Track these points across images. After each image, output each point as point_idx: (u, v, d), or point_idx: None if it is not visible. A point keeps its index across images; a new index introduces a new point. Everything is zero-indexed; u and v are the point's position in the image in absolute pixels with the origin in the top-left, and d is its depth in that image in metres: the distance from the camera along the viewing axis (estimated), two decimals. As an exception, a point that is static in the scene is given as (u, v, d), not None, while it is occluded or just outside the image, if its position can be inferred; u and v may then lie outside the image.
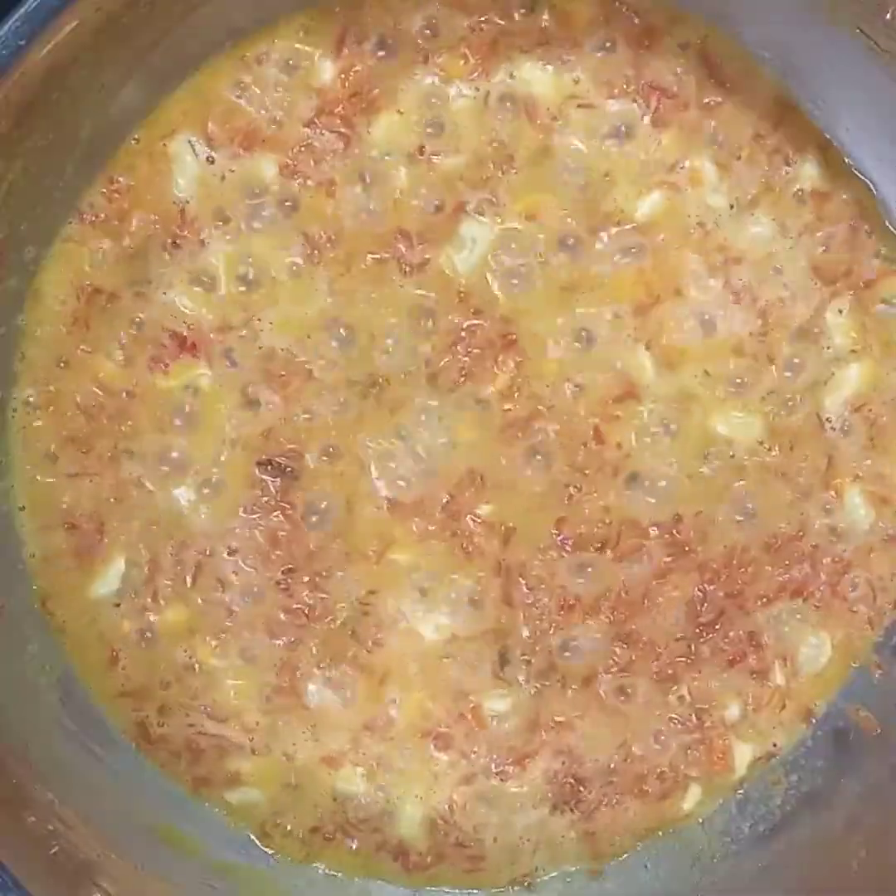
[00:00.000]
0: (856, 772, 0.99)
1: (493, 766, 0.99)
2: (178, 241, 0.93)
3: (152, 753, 0.98)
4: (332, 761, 0.98)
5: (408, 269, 0.94)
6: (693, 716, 0.99)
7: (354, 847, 0.99)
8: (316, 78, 0.93)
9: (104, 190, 0.93)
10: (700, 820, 1.01)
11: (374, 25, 0.92)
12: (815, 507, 0.98)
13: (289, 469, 0.95)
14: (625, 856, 1.01)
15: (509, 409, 0.95)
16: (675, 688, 0.98)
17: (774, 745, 1.01)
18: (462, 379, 0.95)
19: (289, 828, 0.99)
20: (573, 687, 0.98)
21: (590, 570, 0.96)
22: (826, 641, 0.99)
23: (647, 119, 0.94)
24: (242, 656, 0.97)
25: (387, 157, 0.94)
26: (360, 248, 0.94)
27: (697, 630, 0.98)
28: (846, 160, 0.95)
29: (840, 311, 0.96)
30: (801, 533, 0.98)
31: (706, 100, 0.94)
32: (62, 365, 0.94)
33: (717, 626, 0.98)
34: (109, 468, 0.95)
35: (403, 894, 1.00)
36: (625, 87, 0.94)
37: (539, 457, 0.96)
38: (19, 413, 0.95)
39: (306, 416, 0.95)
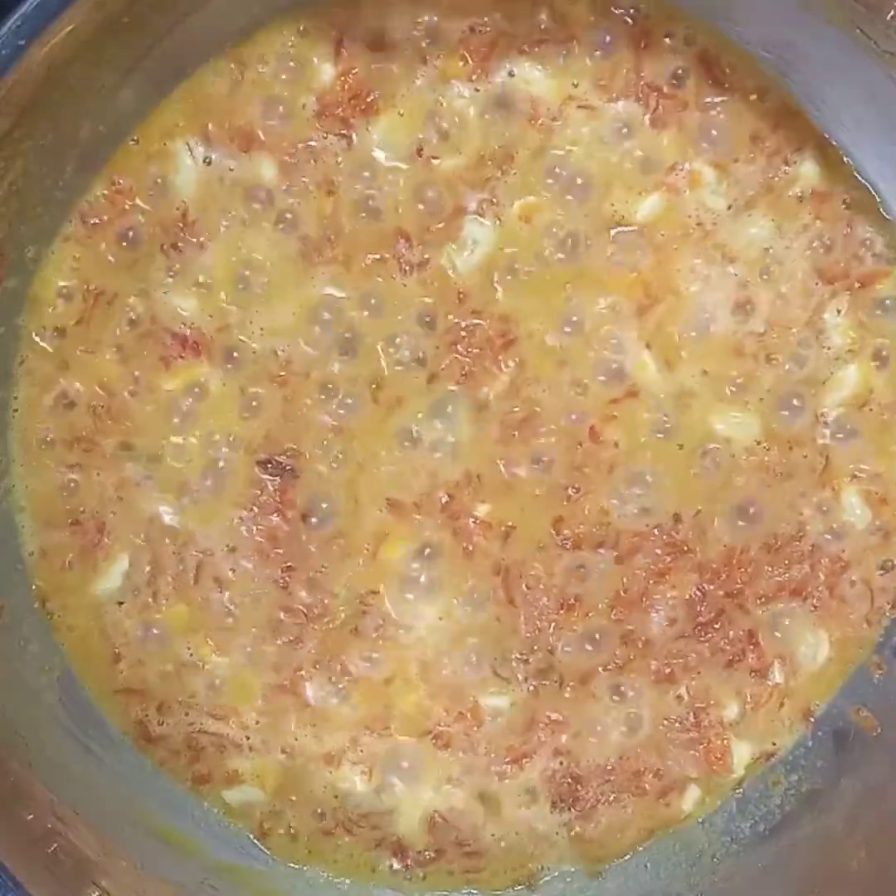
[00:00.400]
0: (856, 772, 0.98)
1: (491, 764, 0.99)
2: (177, 242, 0.94)
3: (152, 752, 0.98)
4: (331, 760, 0.98)
5: (408, 269, 0.94)
6: (691, 715, 0.99)
7: (353, 845, 0.99)
8: (315, 79, 0.93)
9: (104, 191, 0.93)
10: (700, 820, 1.01)
11: (373, 27, 0.92)
12: (814, 506, 0.98)
13: (289, 468, 0.95)
14: (624, 856, 1.01)
15: (508, 409, 0.95)
16: (673, 687, 0.98)
17: (773, 744, 1.01)
18: (462, 379, 0.95)
19: (288, 826, 0.99)
20: (571, 685, 0.98)
21: (588, 569, 0.97)
22: (824, 641, 0.99)
23: (646, 119, 0.94)
24: (242, 655, 0.97)
25: (387, 158, 0.94)
26: (360, 248, 0.94)
27: (696, 629, 0.98)
28: (845, 160, 0.95)
29: (838, 311, 0.96)
30: (799, 533, 0.98)
31: (705, 100, 0.94)
32: (63, 365, 0.95)
33: (716, 626, 0.98)
34: (110, 467, 0.96)
35: (403, 894, 1.00)
36: (624, 87, 0.94)
37: (538, 456, 0.96)
38: (20, 413, 0.95)
39: (306, 415, 0.95)
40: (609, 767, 0.99)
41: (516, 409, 0.95)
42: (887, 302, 0.96)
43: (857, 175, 0.95)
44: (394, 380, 0.95)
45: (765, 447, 0.97)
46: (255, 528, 0.96)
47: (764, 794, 1.01)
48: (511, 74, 0.94)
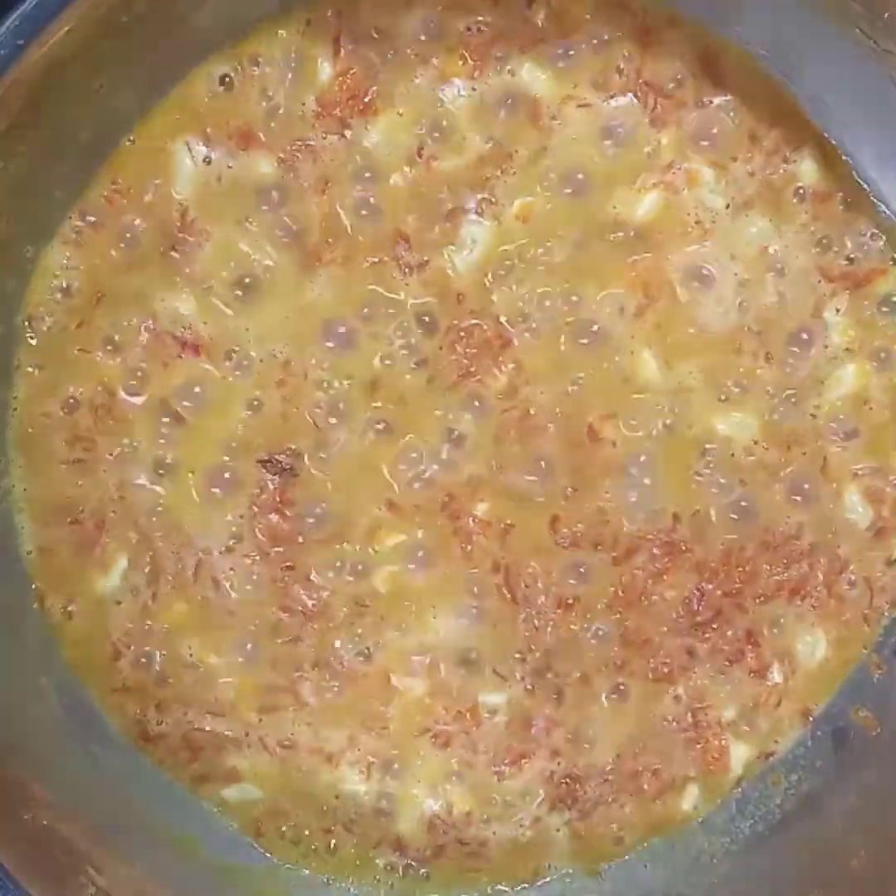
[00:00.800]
0: (856, 772, 0.98)
1: (491, 764, 0.99)
2: (176, 243, 0.94)
3: (150, 751, 0.98)
4: (330, 759, 0.98)
5: (407, 270, 0.94)
6: (689, 715, 0.99)
7: (353, 845, 0.99)
8: (314, 79, 0.93)
9: (103, 191, 0.93)
10: (699, 820, 1.01)
11: (371, 26, 0.92)
12: (813, 505, 0.98)
13: (288, 467, 0.95)
14: (624, 856, 1.01)
15: (507, 409, 0.95)
16: (671, 687, 0.98)
17: (775, 743, 1.01)
18: (461, 379, 0.95)
19: (287, 825, 0.99)
20: (569, 684, 0.98)
21: (587, 568, 0.96)
22: (822, 640, 0.99)
23: (645, 119, 0.94)
24: (241, 654, 0.97)
25: (386, 158, 0.94)
26: (359, 249, 0.94)
27: (694, 629, 0.98)
28: (844, 159, 0.95)
29: (837, 310, 0.96)
30: (798, 531, 0.98)
31: (704, 99, 0.94)
32: (62, 365, 0.94)
33: (714, 625, 0.98)
34: (110, 467, 0.96)
35: (403, 894, 1.00)
36: (623, 86, 0.94)
37: (536, 455, 0.96)
38: (19, 413, 0.95)
39: (305, 415, 0.95)
40: (607, 767, 0.99)
41: (515, 409, 0.95)
42: (886, 300, 0.96)
43: (855, 174, 0.95)
44: (393, 380, 0.95)
45: (764, 446, 0.97)
46: (254, 527, 0.96)
47: (763, 794, 1.01)
48: (510, 73, 0.93)
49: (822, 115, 0.94)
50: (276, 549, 0.96)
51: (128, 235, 0.93)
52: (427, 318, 0.95)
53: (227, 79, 0.92)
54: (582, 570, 0.97)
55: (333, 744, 0.98)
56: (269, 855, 0.99)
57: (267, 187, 0.93)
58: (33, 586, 0.96)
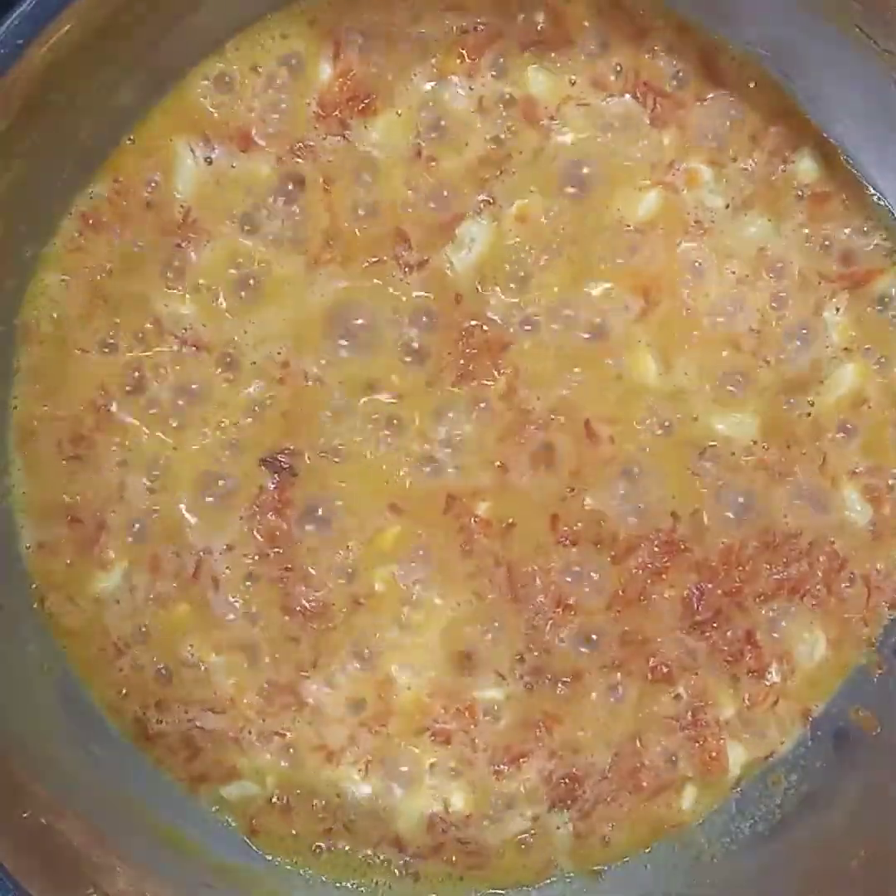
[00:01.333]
0: (856, 772, 0.98)
1: (490, 763, 0.99)
2: (177, 243, 0.94)
3: (150, 750, 0.98)
4: (330, 758, 0.98)
5: (407, 269, 0.94)
6: (688, 714, 0.99)
7: (353, 844, 0.99)
8: (314, 79, 0.93)
9: (103, 191, 0.93)
10: (699, 820, 1.01)
11: (371, 27, 0.92)
12: (812, 504, 0.98)
13: (288, 466, 0.95)
14: (624, 856, 1.01)
15: (506, 408, 0.95)
16: (670, 687, 0.98)
17: (776, 743, 1.00)
18: (460, 379, 0.95)
19: (287, 825, 0.99)
20: (568, 684, 0.98)
21: (586, 568, 0.96)
22: (821, 639, 0.99)
23: (644, 119, 0.94)
24: (241, 653, 0.97)
25: (385, 159, 0.94)
26: (359, 249, 0.94)
27: (694, 628, 0.98)
28: (843, 159, 0.95)
29: (837, 310, 0.96)
30: (798, 531, 0.98)
31: (704, 99, 0.94)
32: (62, 365, 0.94)
33: (714, 625, 0.98)
34: (110, 467, 0.96)
35: (402, 893, 1.00)
36: (622, 86, 0.94)
37: (536, 455, 0.96)
38: (19, 412, 0.95)
39: (304, 415, 0.95)
40: (606, 767, 0.99)
41: (514, 409, 0.95)
42: (886, 300, 0.96)
43: (855, 173, 0.95)
44: (393, 381, 0.95)
45: (763, 446, 0.97)
46: (254, 527, 0.96)
47: (763, 794, 1.01)
48: (509, 74, 0.93)
49: (822, 114, 0.94)
50: (276, 549, 0.96)
51: (128, 236, 0.94)
52: (427, 319, 0.95)
53: (226, 79, 0.92)
54: (581, 569, 0.97)
55: (333, 743, 0.98)
56: (268, 854, 0.99)
57: (267, 188, 0.94)
58: (33, 586, 0.96)
